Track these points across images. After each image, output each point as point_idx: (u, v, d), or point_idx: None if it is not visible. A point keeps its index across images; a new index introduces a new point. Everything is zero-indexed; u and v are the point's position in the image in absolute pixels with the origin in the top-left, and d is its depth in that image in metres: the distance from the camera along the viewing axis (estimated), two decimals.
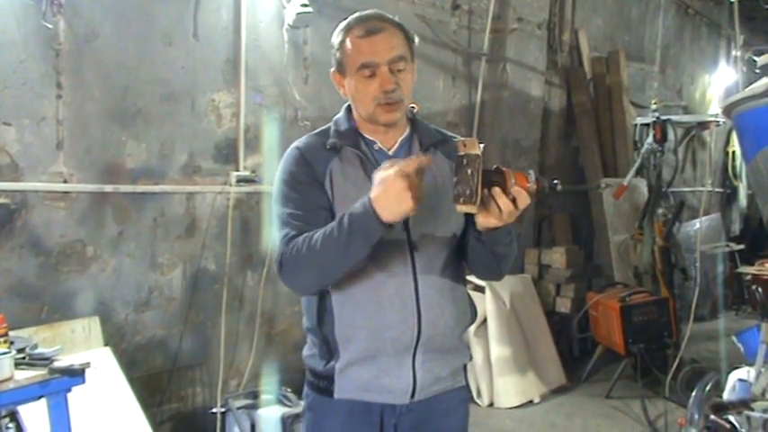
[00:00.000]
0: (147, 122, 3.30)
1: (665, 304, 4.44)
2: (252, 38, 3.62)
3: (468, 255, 1.58)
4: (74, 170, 3.07)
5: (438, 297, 1.54)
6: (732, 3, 5.82)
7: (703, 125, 6.59)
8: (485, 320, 4.26)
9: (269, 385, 3.35)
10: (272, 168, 1.65)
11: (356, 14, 1.56)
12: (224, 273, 3.55)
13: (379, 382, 1.52)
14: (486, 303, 4.25)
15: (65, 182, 3.04)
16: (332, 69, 1.59)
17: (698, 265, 5.30)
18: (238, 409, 3.19)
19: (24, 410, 2.22)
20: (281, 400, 3.20)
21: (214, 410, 3.28)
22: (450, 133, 1.68)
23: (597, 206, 5.53)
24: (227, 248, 3.54)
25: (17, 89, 2.89)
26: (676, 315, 4.56)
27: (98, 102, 3.13)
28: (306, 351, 1.63)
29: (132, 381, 2.93)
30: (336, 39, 1.55)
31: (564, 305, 4.97)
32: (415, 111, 1.67)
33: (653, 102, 4.91)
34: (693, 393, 2.99)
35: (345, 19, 1.56)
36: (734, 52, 7.28)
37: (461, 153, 1.33)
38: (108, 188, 3.17)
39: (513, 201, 1.35)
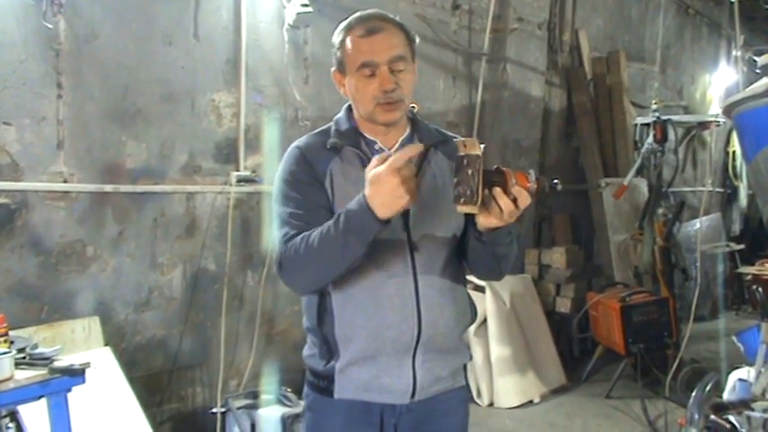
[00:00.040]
0: (148, 122, 3.30)
1: (665, 304, 4.44)
2: (252, 38, 3.62)
3: (468, 255, 1.58)
4: (74, 170, 3.07)
5: (438, 297, 1.54)
6: (732, 3, 5.82)
7: (703, 125, 6.59)
8: (485, 320, 4.26)
9: (269, 385, 3.34)
10: (273, 168, 1.65)
11: (357, 14, 1.56)
12: (224, 273, 3.55)
13: (379, 382, 1.52)
14: (486, 303, 4.25)
15: (65, 182, 3.04)
16: (332, 68, 1.59)
17: (698, 265, 5.29)
18: (238, 409, 3.19)
19: (24, 410, 2.22)
20: (281, 400, 3.20)
21: (214, 410, 3.29)
22: (450, 133, 1.67)
23: (597, 206, 5.53)
24: (227, 248, 3.54)
25: (17, 89, 2.89)
26: (676, 315, 4.56)
27: (98, 102, 3.13)
28: (306, 351, 1.63)
29: (132, 381, 2.94)
30: (337, 38, 1.55)
31: (564, 305, 4.96)
32: (416, 111, 1.67)
33: (653, 102, 4.91)
34: (693, 393, 2.99)
35: (346, 18, 1.56)
36: (734, 52, 7.28)
37: (462, 153, 1.32)
38: (108, 188, 3.17)
39: (514, 201, 1.34)
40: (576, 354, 5.05)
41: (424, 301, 1.51)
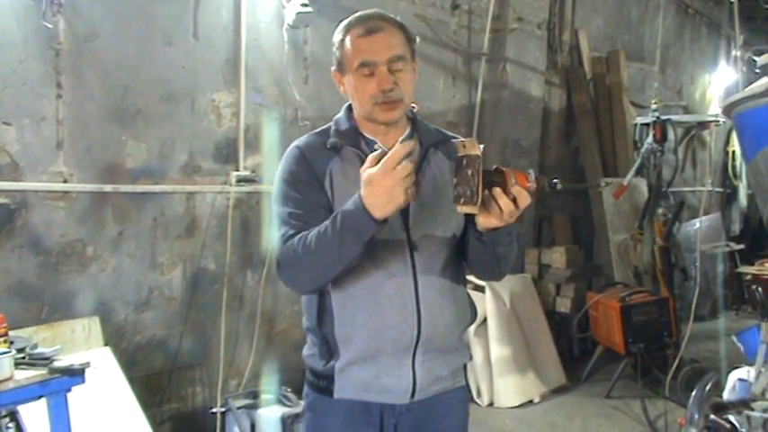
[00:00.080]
0: (147, 122, 3.30)
1: (665, 304, 4.44)
2: (252, 38, 3.62)
3: (468, 255, 1.58)
4: (74, 170, 3.07)
5: (438, 297, 1.54)
6: (732, 3, 5.82)
7: (703, 125, 6.59)
8: (485, 320, 4.26)
9: (269, 385, 3.34)
10: (272, 168, 1.65)
11: (357, 13, 1.56)
12: (224, 272, 3.55)
13: (378, 381, 1.52)
14: (486, 303, 4.26)
15: (65, 182, 3.04)
16: (332, 68, 1.59)
17: (698, 264, 5.30)
18: (238, 408, 3.19)
19: (24, 410, 2.22)
20: (281, 400, 3.20)
21: (214, 410, 3.29)
22: (450, 133, 1.68)
23: (597, 206, 5.53)
24: (227, 248, 3.54)
25: (17, 89, 2.89)
26: (676, 315, 4.56)
27: (98, 101, 3.13)
28: (306, 351, 1.63)
29: (132, 381, 2.93)
30: (337, 37, 1.55)
31: (564, 305, 4.97)
32: (415, 110, 1.67)
33: (653, 102, 4.91)
34: (693, 393, 2.99)
35: (346, 18, 1.56)
36: (734, 52, 7.28)
37: (461, 154, 1.32)
38: (108, 188, 3.17)
39: (514, 200, 1.34)
40: (575, 354, 5.05)
41: (423, 300, 1.51)
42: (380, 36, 1.50)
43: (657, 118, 4.73)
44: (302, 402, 1.72)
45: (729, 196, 7.65)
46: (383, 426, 1.56)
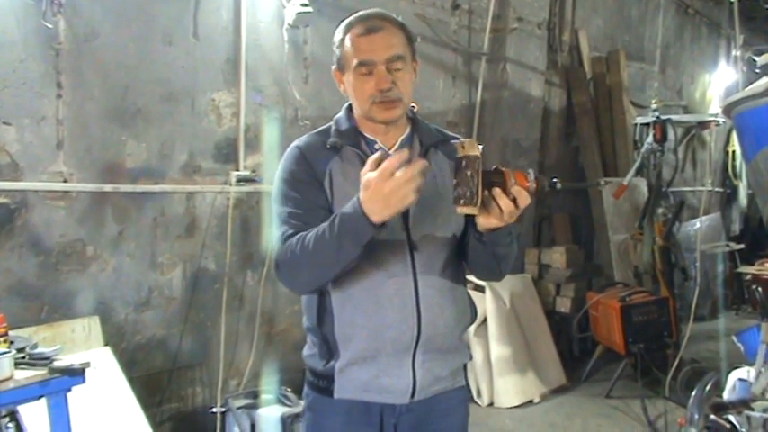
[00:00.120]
0: (147, 122, 3.30)
1: (665, 304, 4.44)
2: (252, 37, 3.62)
3: (468, 255, 1.58)
4: (74, 170, 3.07)
5: (438, 297, 1.53)
6: (732, 3, 5.82)
7: (703, 125, 6.59)
8: (485, 320, 4.26)
9: (269, 385, 3.34)
10: (272, 168, 1.65)
11: (359, 13, 1.56)
12: (224, 272, 3.55)
13: (378, 381, 1.52)
14: (486, 303, 4.25)
15: (65, 181, 3.04)
16: (333, 66, 1.59)
17: (698, 264, 5.30)
18: (238, 408, 3.19)
19: (24, 410, 2.22)
20: (281, 400, 3.20)
21: (214, 410, 3.29)
22: (450, 133, 1.68)
23: (597, 206, 5.53)
24: (227, 248, 3.54)
25: (17, 89, 2.89)
26: (676, 315, 4.56)
27: (98, 101, 3.13)
28: (306, 351, 1.63)
29: (132, 380, 2.93)
30: (337, 36, 1.56)
31: (564, 305, 4.96)
32: (416, 110, 1.67)
33: (653, 101, 4.91)
34: (693, 393, 2.99)
35: (347, 18, 1.57)
36: (734, 52, 7.27)
37: (460, 155, 1.32)
38: (108, 188, 3.17)
39: (514, 201, 1.34)
40: (575, 353, 5.05)
41: (423, 301, 1.51)
42: (380, 36, 1.50)
43: (657, 118, 4.73)
44: (302, 402, 1.72)
45: (729, 196, 7.65)
46: (383, 426, 1.56)
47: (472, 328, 3.92)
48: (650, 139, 4.78)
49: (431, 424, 1.60)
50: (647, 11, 6.66)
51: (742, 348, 3.71)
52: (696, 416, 2.84)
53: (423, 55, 4.38)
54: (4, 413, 2.19)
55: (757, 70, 4.08)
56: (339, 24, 1.57)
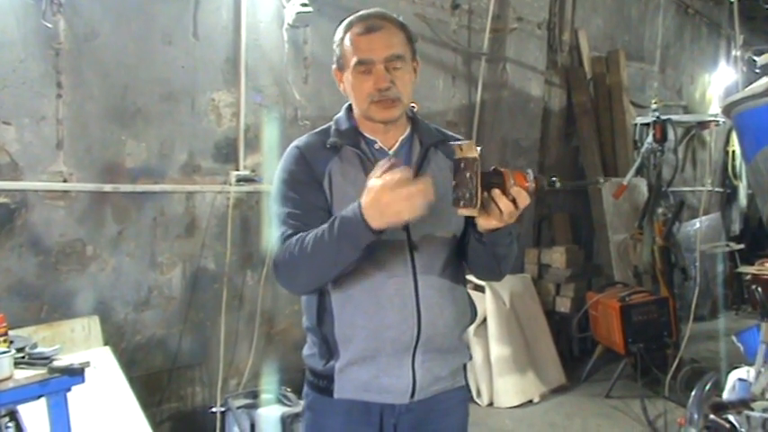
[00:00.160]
0: (147, 122, 3.30)
1: (665, 304, 4.44)
2: (252, 37, 3.62)
3: (468, 255, 1.58)
4: (73, 169, 3.07)
5: (438, 297, 1.53)
6: (732, 3, 5.82)
7: (703, 125, 6.59)
8: (485, 320, 4.26)
9: (269, 385, 3.34)
10: (272, 168, 1.65)
11: (359, 12, 1.57)
12: (224, 272, 3.55)
13: (378, 381, 1.52)
14: (486, 303, 4.25)
15: (64, 181, 3.04)
16: (333, 66, 1.59)
17: (698, 264, 5.30)
18: (238, 408, 3.18)
19: (24, 410, 2.21)
20: (281, 400, 3.19)
21: (214, 410, 3.29)
22: (450, 133, 1.67)
23: (597, 206, 5.53)
24: (226, 248, 3.54)
25: (17, 88, 2.89)
26: (676, 315, 4.56)
27: (98, 101, 3.13)
28: (305, 350, 1.63)
29: (132, 380, 2.93)
30: (338, 35, 1.56)
31: (564, 305, 4.96)
32: (415, 110, 1.67)
33: (653, 101, 4.91)
34: (693, 393, 2.99)
35: (347, 17, 1.57)
36: (734, 52, 7.28)
37: (458, 157, 1.32)
38: (107, 187, 3.17)
39: (513, 201, 1.34)
40: (575, 353, 5.05)
41: (423, 301, 1.51)
42: (379, 35, 1.50)
43: (657, 118, 4.73)
44: (302, 402, 1.72)
45: (729, 196, 7.65)
46: (383, 426, 1.56)
47: (472, 328, 3.92)
48: (650, 138, 4.78)
49: (431, 424, 1.59)
50: (647, 11, 6.66)
51: (742, 348, 3.71)
52: (696, 416, 2.84)
53: (422, 55, 4.34)
54: (3, 413, 2.18)
55: (757, 70, 4.09)
56: (339, 24, 1.57)
